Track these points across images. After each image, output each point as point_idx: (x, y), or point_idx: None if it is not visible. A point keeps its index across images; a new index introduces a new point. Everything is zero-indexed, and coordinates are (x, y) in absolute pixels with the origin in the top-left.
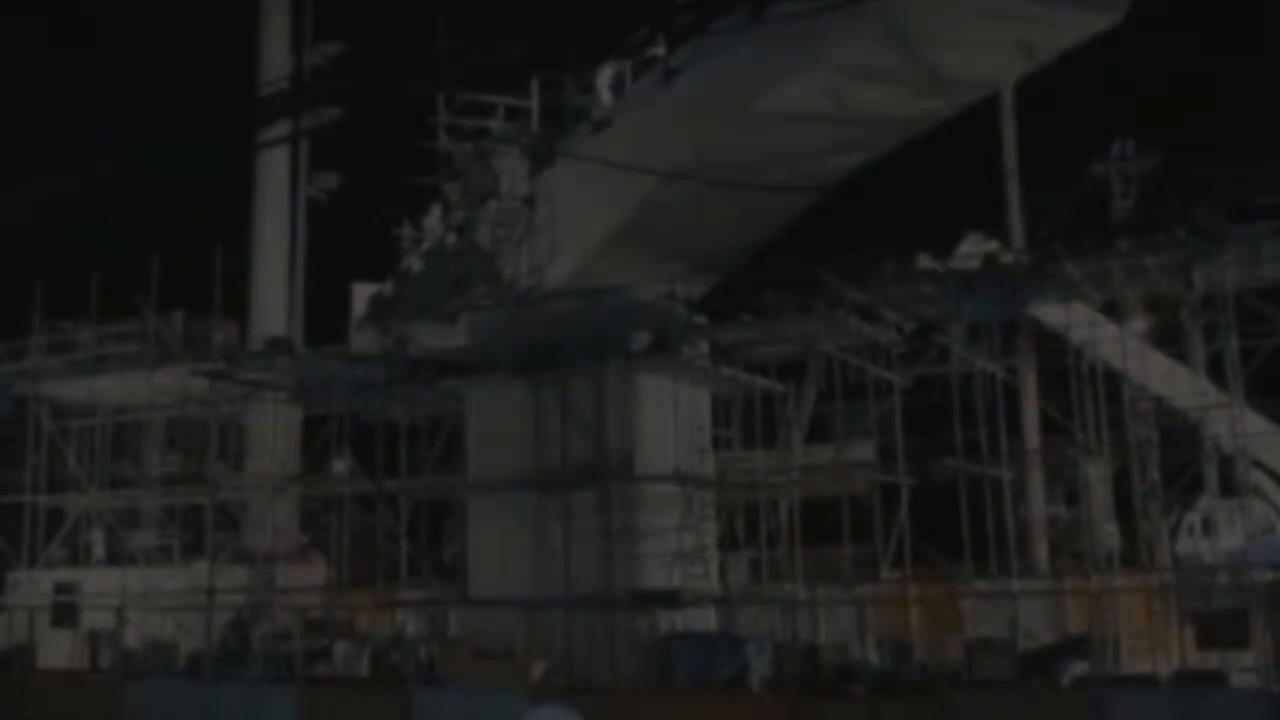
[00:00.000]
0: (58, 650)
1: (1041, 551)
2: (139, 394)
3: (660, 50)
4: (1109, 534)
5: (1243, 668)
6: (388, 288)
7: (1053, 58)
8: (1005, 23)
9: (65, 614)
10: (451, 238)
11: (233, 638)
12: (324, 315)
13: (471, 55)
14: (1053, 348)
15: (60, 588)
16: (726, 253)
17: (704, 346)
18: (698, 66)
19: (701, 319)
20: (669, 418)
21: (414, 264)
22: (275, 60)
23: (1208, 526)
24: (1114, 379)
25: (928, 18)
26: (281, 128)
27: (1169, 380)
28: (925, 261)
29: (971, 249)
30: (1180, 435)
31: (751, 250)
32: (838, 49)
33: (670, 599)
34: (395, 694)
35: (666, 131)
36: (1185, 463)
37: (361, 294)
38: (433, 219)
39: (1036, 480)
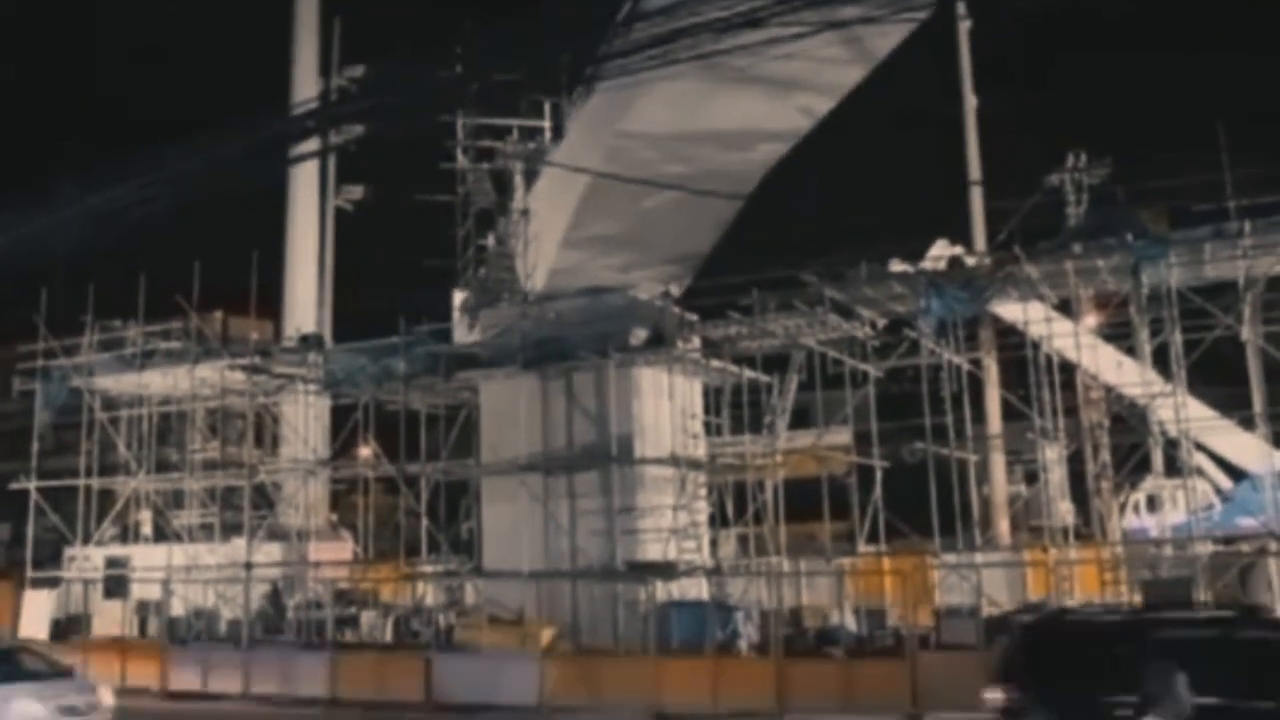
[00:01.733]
0: (110, 619)
1: (1003, 526)
2: (182, 386)
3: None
4: (1065, 510)
5: None
6: (469, 293)
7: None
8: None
9: (116, 586)
10: (492, 245)
11: (269, 607)
12: (350, 314)
13: (472, 81)
14: (1012, 341)
15: (112, 562)
16: (678, 259)
17: (696, 341)
18: (601, 89)
19: (693, 316)
20: (664, 406)
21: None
22: (306, 82)
23: (1152, 504)
24: (1068, 369)
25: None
26: (311, 144)
27: (1118, 371)
28: (897, 264)
29: (939, 252)
30: (1129, 420)
31: (701, 253)
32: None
33: (666, 570)
34: (416, 657)
35: (577, 141)
36: (1133, 445)
37: (459, 297)
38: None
39: (999, 461)
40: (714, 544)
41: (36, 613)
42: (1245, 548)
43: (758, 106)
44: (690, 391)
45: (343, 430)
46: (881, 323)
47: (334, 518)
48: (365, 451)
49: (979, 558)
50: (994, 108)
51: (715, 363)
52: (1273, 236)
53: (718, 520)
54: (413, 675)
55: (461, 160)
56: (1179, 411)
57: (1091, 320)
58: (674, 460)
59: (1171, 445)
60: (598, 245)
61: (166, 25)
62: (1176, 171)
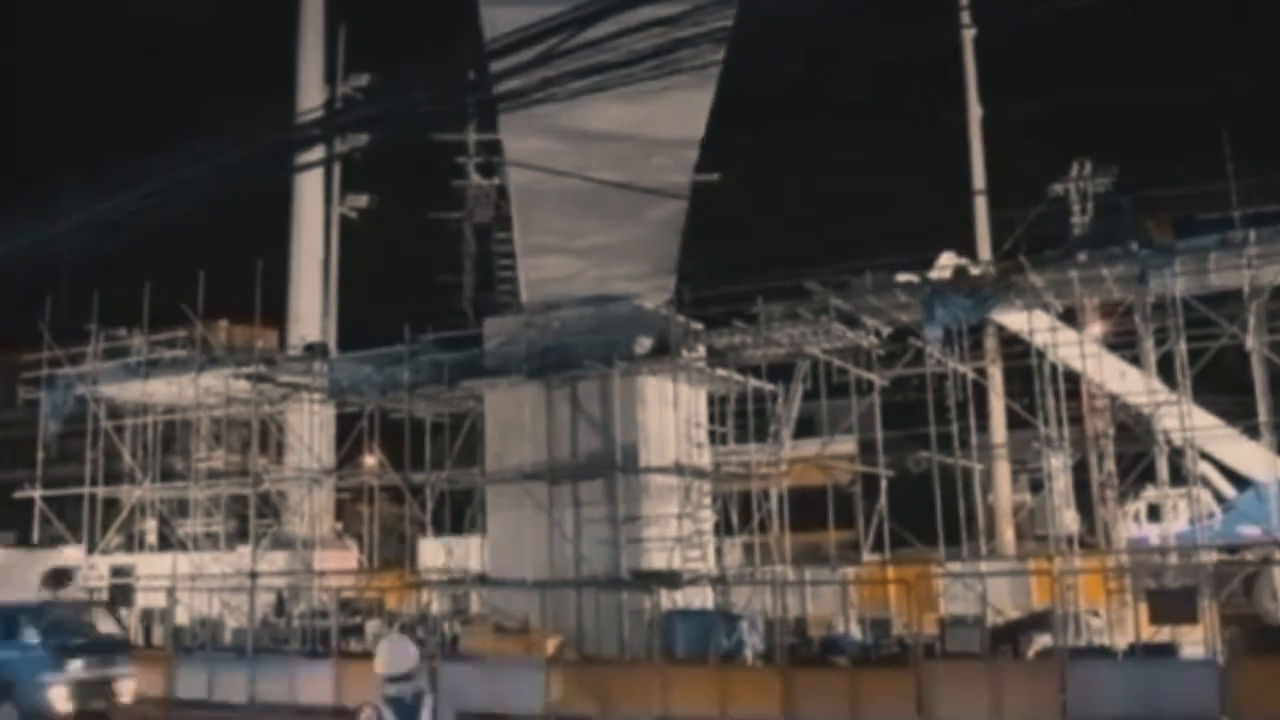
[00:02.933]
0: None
1: (1008, 535)
2: (187, 395)
3: None
4: (1069, 519)
5: (1193, 640)
6: None
7: None
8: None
9: (121, 594)
10: None
11: (274, 616)
12: (355, 322)
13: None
14: (1017, 350)
15: (117, 570)
16: (650, 266)
17: (701, 350)
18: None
19: (698, 325)
20: (669, 415)
21: None
22: (311, 90)
23: (1153, 513)
24: (1073, 378)
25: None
26: (316, 152)
27: (1123, 379)
28: (904, 275)
29: (946, 263)
30: (1134, 429)
31: (670, 260)
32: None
33: (671, 579)
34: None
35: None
36: (1138, 454)
37: None
38: None
39: (1003, 470)
40: (719, 553)
41: None
42: (1250, 556)
43: (625, 107)
44: (695, 400)
45: (348, 439)
46: (886, 332)
47: (339, 526)
48: (370, 460)
49: (984, 567)
50: (998, 116)
51: (720, 371)
52: (1278, 246)
53: (722, 529)
54: None
55: (474, 176)
56: (1184, 420)
57: (1096, 329)
58: (679, 469)
59: (1176, 454)
60: (557, 253)
61: (171, 30)
62: (1182, 180)
